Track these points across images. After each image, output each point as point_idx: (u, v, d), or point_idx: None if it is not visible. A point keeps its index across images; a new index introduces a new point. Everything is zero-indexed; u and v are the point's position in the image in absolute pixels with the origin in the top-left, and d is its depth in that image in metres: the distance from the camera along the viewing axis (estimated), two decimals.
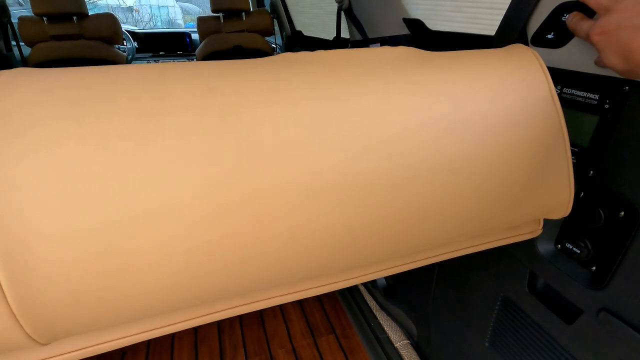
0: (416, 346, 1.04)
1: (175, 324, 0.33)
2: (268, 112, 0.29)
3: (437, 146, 0.34)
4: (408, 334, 1.09)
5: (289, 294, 0.36)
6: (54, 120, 0.24)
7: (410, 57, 0.38)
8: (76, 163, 0.24)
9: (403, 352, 1.03)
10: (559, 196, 0.42)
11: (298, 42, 2.31)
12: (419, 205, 0.35)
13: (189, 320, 0.33)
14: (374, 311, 1.19)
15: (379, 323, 1.14)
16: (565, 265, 0.54)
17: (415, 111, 0.34)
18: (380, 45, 1.17)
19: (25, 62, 1.83)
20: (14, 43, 1.90)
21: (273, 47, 2.26)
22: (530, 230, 0.49)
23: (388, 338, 1.09)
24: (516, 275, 0.63)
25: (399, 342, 1.07)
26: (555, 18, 0.52)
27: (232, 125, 0.28)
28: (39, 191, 0.23)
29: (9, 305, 0.24)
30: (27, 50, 1.84)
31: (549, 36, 0.52)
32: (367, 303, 1.23)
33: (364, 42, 1.23)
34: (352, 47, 1.34)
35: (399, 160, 0.33)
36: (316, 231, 0.31)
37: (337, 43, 1.59)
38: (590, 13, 0.44)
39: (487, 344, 0.74)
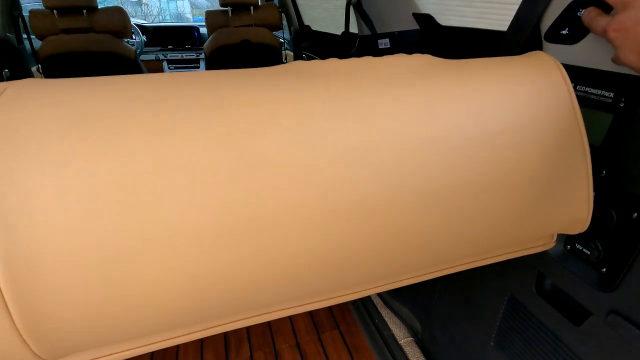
0: (420, 344, 1.04)
1: (182, 335, 0.32)
2: (280, 128, 0.28)
3: (454, 161, 0.33)
4: (412, 332, 1.09)
5: (298, 306, 0.35)
6: (61, 136, 0.24)
7: (427, 66, 0.36)
8: (82, 180, 0.24)
9: (407, 350, 1.03)
10: (577, 212, 0.40)
11: (306, 36, 2.29)
12: (432, 222, 0.34)
13: (195, 332, 0.33)
14: (379, 308, 1.19)
15: (384, 320, 1.14)
16: (574, 267, 0.53)
17: (433, 125, 0.32)
18: (389, 41, 1.16)
19: (36, 55, 1.85)
20: (25, 36, 1.92)
21: (281, 41, 2.25)
22: (542, 243, 0.48)
23: (392, 335, 1.09)
24: (523, 276, 0.62)
25: (403, 339, 1.07)
26: (570, 13, 0.50)
27: (242, 143, 0.27)
28: (46, 208, 0.23)
29: (14, 323, 0.24)
30: (37, 43, 1.86)
31: (564, 32, 0.51)
32: (371, 300, 1.23)
33: (373, 37, 1.21)
34: (360, 42, 1.32)
35: (413, 177, 0.32)
36: (327, 250, 0.31)
37: (346, 38, 1.57)
38: (607, 8, 0.43)
39: (492, 344, 0.73)
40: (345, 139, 0.30)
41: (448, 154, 0.33)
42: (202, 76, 0.31)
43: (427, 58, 0.37)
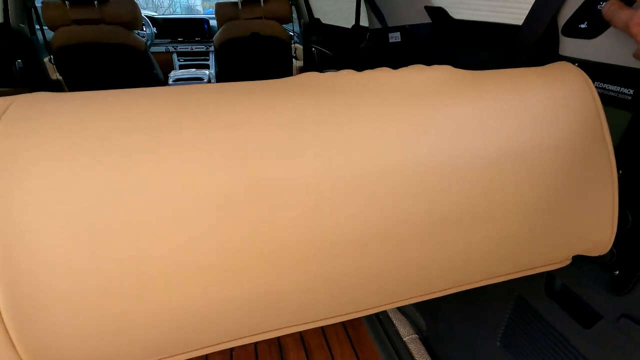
0: (424, 341, 1.04)
1: (186, 352, 0.31)
2: (293, 152, 0.27)
3: (475, 183, 0.31)
4: (417, 329, 1.08)
5: (309, 322, 0.34)
6: (62, 161, 0.23)
7: (447, 80, 0.34)
8: (84, 207, 0.23)
9: (411, 346, 1.02)
10: (599, 235, 0.38)
11: (316, 30, 2.27)
12: (449, 245, 0.32)
13: (201, 348, 0.32)
14: None
15: (388, 316, 1.14)
16: (586, 268, 0.52)
17: (454, 146, 0.31)
18: (400, 35, 1.14)
19: (48, 46, 1.87)
20: (37, 27, 1.94)
21: (290, 34, 2.23)
22: (557, 262, 0.46)
23: (396, 331, 1.08)
24: (533, 276, 0.61)
25: (408, 336, 1.06)
26: (590, 6, 0.48)
27: (253, 167, 0.26)
28: (47, 238, 0.22)
29: (19, 355, 0.23)
30: (50, 34, 1.87)
31: (582, 26, 0.49)
32: None
33: (384, 31, 1.20)
34: (371, 36, 1.30)
35: (433, 200, 0.30)
36: (342, 276, 0.30)
37: (356, 32, 1.55)
38: (629, 1, 0.41)
39: (498, 344, 0.73)
40: (363, 162, 0.28)
41: (469, 175, 0.31)
42: (211, 91, 0.29)
43: (447, 71, 0.35)
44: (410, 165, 0.30)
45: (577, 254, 0.41)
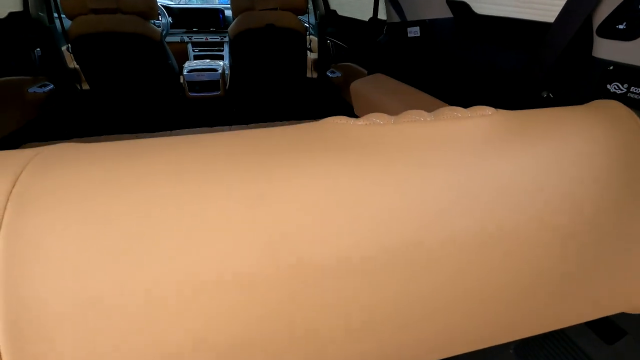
0: None
1: None
2: (328, 227, 0.25)
3: (518, 254, 0.29)
4: None
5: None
6: (79, 229, 0.22)
7: (490, 132, 0.31)
8: (97, 285, 0.22)
9: None
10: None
11: (332, 22, 2.23)
12: (492, 311, 0.31)
13: None
14: None
15: None
16: None
17: (500, 213, 0.28)
18: (420, 29, 1.11)
19: (66, 35, 1.88)
20: (56, 15, 1.96)
21: (306, 26, 2.20)
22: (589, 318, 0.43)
23: None
24: None
25: None
26: (630, 6, 0.45)
27: (279, 246, 0.24)
28: (58, 315, 0.21)
29: None
30: (67, 23, 1.89)
31: (620, 27, 0.46)
32: None
33: (402, 25, 1.16)
34: (388, 30, 1.27)
35: (472, 273, 0.28)
36: (372, 355, 0.29)
37: (373, 25, 1.52)
38: None
39: (511, 351, 0.71)
40: (401, 233, 0.26)
41: (514, 244, 0.29)
42: (235, 155, 0.27)
43: (490, 120, 0.32)
44: (460, 238, 0.28)
45: (617, 312, 0.38)
